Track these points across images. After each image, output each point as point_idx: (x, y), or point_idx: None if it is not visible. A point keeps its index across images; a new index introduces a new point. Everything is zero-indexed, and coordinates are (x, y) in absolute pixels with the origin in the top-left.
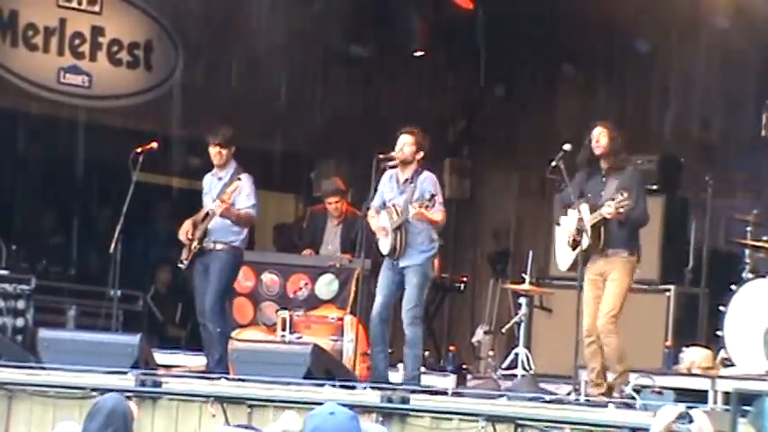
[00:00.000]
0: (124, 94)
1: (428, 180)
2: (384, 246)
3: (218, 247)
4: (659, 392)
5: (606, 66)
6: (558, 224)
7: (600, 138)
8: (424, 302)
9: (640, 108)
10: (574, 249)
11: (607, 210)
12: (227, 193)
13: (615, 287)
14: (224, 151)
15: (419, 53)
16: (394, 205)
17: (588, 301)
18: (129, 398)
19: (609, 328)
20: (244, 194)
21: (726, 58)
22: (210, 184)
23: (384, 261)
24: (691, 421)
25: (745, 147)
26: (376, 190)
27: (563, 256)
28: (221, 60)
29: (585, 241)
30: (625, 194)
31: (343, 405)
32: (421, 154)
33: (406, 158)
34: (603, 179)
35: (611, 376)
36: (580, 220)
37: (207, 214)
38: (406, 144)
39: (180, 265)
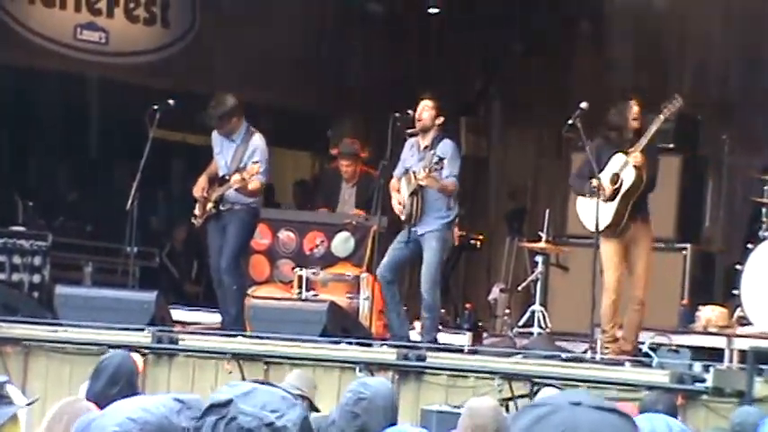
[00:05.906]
0: (141, 50)
1: (444, 145)
2: (402, 213)
3: (236, 207)
4: (675, 351)
5: (623, 23)
6: (584, 195)
7: (639, 116)
8: (441, 267)
9: (657, 66)
10: (612, 199)
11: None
12: (248, 171)
13: (646, 255)
14: (224, 124)
15: (434, 10)
16: (413, 172)
17: (614, 260)
18: (136, 350)
19: (641, 299)
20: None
21: (743, 16)
22: (222, 146)
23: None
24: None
25: (762, 105)
26: (392, 150)
27: (601, 213)
28: (238, 18)
29: (629, 180)
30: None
31: (359, 362)
32: (441, 119)
33: (425, 124)
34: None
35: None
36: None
37: (224, 178)
38: (425, 109)
39: (194, 221)
